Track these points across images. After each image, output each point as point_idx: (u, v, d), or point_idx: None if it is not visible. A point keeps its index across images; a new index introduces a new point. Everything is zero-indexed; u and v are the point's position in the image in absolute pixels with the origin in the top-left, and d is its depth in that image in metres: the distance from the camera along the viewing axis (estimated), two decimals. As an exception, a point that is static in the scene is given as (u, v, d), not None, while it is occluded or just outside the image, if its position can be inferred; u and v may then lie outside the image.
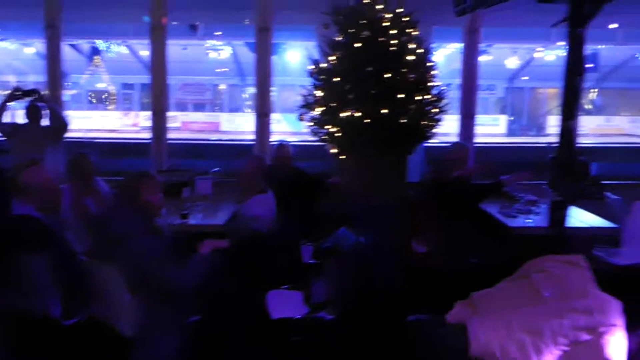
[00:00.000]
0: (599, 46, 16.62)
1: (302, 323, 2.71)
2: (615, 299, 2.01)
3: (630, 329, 1.91)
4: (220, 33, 12.86)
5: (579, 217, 4.64)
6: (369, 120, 4.71)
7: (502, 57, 18.32)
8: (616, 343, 1.82)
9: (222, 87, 22.99)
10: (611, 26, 9.44)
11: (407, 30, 4.95)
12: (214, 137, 17.50)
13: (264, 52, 5.99)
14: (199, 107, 22.69)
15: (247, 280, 2.84)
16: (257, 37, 5.97)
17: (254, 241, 3.23)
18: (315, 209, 4.26)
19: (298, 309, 2.83)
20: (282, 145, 4.86)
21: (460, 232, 3.43)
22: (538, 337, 1.85)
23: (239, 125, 19.01)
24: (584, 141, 14.10)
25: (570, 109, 2.47)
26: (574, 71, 2.44)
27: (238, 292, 2.76)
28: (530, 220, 4.36)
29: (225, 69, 18.89)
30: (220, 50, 15.28)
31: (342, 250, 3.36)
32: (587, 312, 1.91)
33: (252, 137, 6.16)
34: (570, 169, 2.60)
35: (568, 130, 2.50)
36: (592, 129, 20.92)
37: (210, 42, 14.61)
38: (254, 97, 6.20)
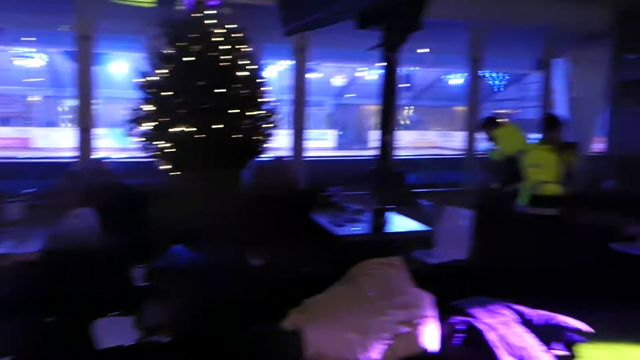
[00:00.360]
0: (413, 68, 18.53)
1: (135, 350, 2.55)
2: (428, 293, 2.26)
3: (442, 318, 2.17)
4: (32, 39, 11.61)
5: (399, 223, 5.10)
6: (202, 136, 4.66)
7: (330, 75, 19.54)
8: (430, 332, 2.04)
9: (35, 98, 20.70)
10: (421, 51, 10.60)
11: (238, 46, 5.01)
12: (25, 154, 15.70)
13: (85, 61, 5.57)
14: (5, 121, 20.12)
15: (68, 308, 2.59)
16: (77, 45, 5.54)
17: (71, 260, 2.96)
18: (146, 227, 4.07)
19: (130, 335, 2.66)
20: (100, 161, 4.62)
21: (293, 242, 3.54)
22: (365, 335, 2.00)
23: (56, 141, 17.30)
24: (402, 153, 15.56)
25: (387, 125, 2.73)
26: (389, 90, 2.70)
27: (57, 323, 2.50)
28: (356, 228, 4.69)
29: (39, 79, 17.06)
30: (30, 58, 13.83)
31: (177, 268, 3.25)
32: (405, 307, 2.12)
33: (73, 153, 5.67)
34: (388, 179, 2.87)
35: (386, 144, 2.76)
36: (408, 143, 23.15)
37: (18, 49, 13.13)
38: (75, 110, 5.72)
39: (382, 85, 2.73)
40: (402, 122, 25.79)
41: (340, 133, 23.93)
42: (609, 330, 2.42)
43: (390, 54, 2.64)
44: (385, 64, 2.67)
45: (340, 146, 22.57)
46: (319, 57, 11.14)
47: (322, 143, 21.09)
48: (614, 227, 5.49)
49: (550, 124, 5.40)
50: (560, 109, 7.96)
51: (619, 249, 5.42)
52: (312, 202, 4.49)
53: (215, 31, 4.89)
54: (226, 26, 4.97)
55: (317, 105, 22.61)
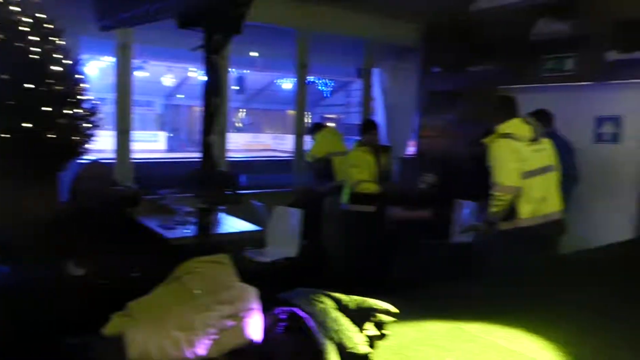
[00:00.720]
0: (245, 71, 18.68)
1: None
2: (253, 287, 2.36)
3: (266, 309, 2.28)
4: None
5: (231, 224, 5.18)
6: (6, 136, 4.19)
7: (159, 74, 18.80)
8: (254, 324, 2.14)
9: None
10: (252, 54, 10.78)
11: (51, 38, 4.60)
12: None
13: None
14: None
15: None
16: None
17: None
18: None
19: None
20: None
21: (118, 248, 3.40)
22: (191, 331, 2.03)
23: None
24: (235, 155, 15.67)
25: (210, 126, 2.77)
26: (211, 92, 2.74)
27: None
28: (188, 231, 4.65)
29: None
30: None
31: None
32: (231, 302, 2.19)
33: None
34: (213, 180, 2.91)
35: (209, 145, 2.80)
36: (243, 145, 23.32)
37: None
38: None
39: (205, 87, 2.76)
40: (236, 125, 25.87)
41: (171, 135, 23.17)
42: (414, 309, 2.74)
43: (212, 56, 2.68)
44: (207, 66, 2.70)
45: (172, 148, 21.87)
46: (147, 54, 10.71)
47: (152, 145, 20.23)
48: (420, 220, 6.25)
49: (367, 128, 5.97)
50: (379, 114, 8.74)
51: (426, 240, 6.16)
52: (136, 206, 4.35)
53: (22, 19, 4.44)
54: (36, 15, 4.54)
55: (147, 106, 21.62)
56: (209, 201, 2.92)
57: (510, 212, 4.03)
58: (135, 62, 6.45)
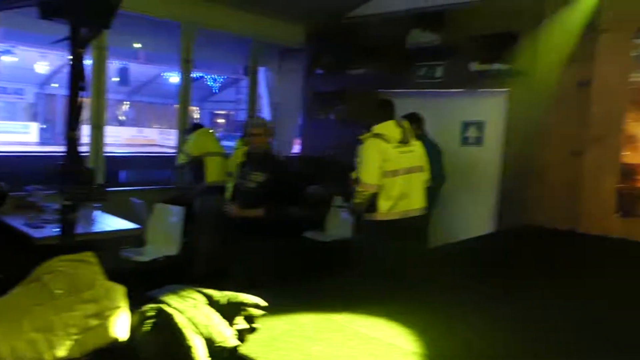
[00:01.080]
0: (128, 63, 17.85)
1: None
2: (120, 285, 2.33)
3: (134, 307, 2.28)
4: None
5: (106, 222, 4.98)
6: None
7: (31, 60, 17.31)
8: (120, 322, 2.13)
9: None
10: (135, 45, 10.36)
11: None
12: None
13: None
14: None
15: None
16: None
17: None
18: None
19: None
20: None
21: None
22: (50, 332, 1.97)
23: None
24: (118, 150, 14.95)
25: (75, 121, 2.68)
26: (77, 86, 2.65)
27: None
28: (57, 229, 4.40)
29: None
30: None
31: None
32: (95, 300, 2.15)
33: None
34: (76, 176, 2.82)
35: (72, 140, 2.70)
36: (126, 139, 22.22)
37: None
38: None
39: (70, 81, 2.65)
40: (119, 118, 24.62)
41: (44, 126, 21.45)
42: (285, 302, 2.86)
43: (78, 50, 2.58)
44: (73, 59, 2.60)
45: (46, 141, 20.28)
46: (15, 39, 9.89)
47: (22, 137, 18.65)
48: (306, 218, 6.51)
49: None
50: (265, 113, 8.83)
51: (309, 237, 6.41)
52: (1, 203, 4.04)
53: None
54: None
55: (16, 94, 19.84)
56: (73, 197, 2.81)
57: (372, 205, 4.35)
58: (1, 45, 5.91)
